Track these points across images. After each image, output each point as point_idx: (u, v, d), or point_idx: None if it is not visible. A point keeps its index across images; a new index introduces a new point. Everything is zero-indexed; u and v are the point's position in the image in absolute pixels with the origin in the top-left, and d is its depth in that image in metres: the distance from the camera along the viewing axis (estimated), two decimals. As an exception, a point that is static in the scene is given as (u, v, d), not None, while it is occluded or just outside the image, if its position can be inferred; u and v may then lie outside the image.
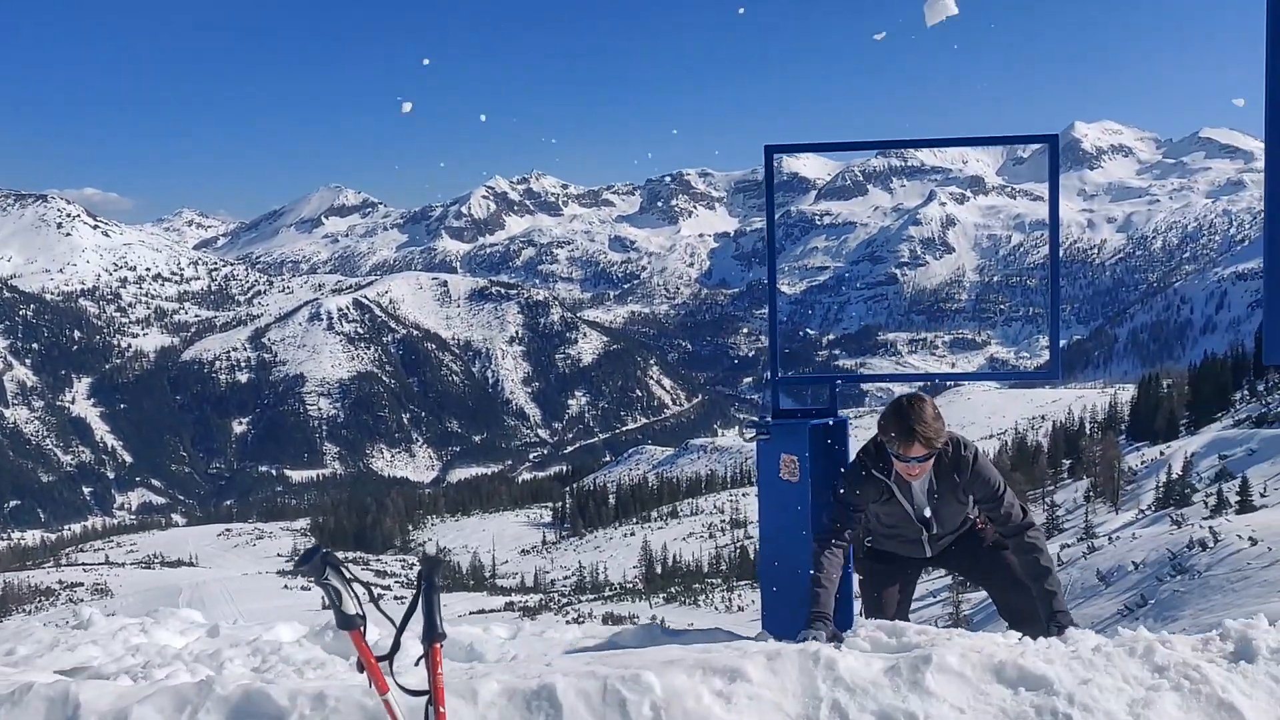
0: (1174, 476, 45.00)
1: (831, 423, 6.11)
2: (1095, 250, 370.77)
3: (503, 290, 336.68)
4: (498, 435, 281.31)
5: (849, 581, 5.96)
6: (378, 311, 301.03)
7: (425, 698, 2.15)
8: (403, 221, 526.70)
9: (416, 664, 2.16)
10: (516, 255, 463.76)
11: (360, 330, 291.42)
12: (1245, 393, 71.57)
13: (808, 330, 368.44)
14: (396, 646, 2.01)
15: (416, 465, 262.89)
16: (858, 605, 5.76)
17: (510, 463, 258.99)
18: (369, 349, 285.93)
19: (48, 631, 4.42)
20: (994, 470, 4.56)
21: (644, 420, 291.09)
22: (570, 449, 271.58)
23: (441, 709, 2.04)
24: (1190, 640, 3.45)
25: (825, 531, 4.67)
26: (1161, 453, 56.41)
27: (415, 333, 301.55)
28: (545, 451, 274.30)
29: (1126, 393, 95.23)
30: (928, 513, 4.58)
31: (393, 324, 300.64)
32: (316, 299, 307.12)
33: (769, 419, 6.14)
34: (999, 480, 4.54)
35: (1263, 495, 35.84)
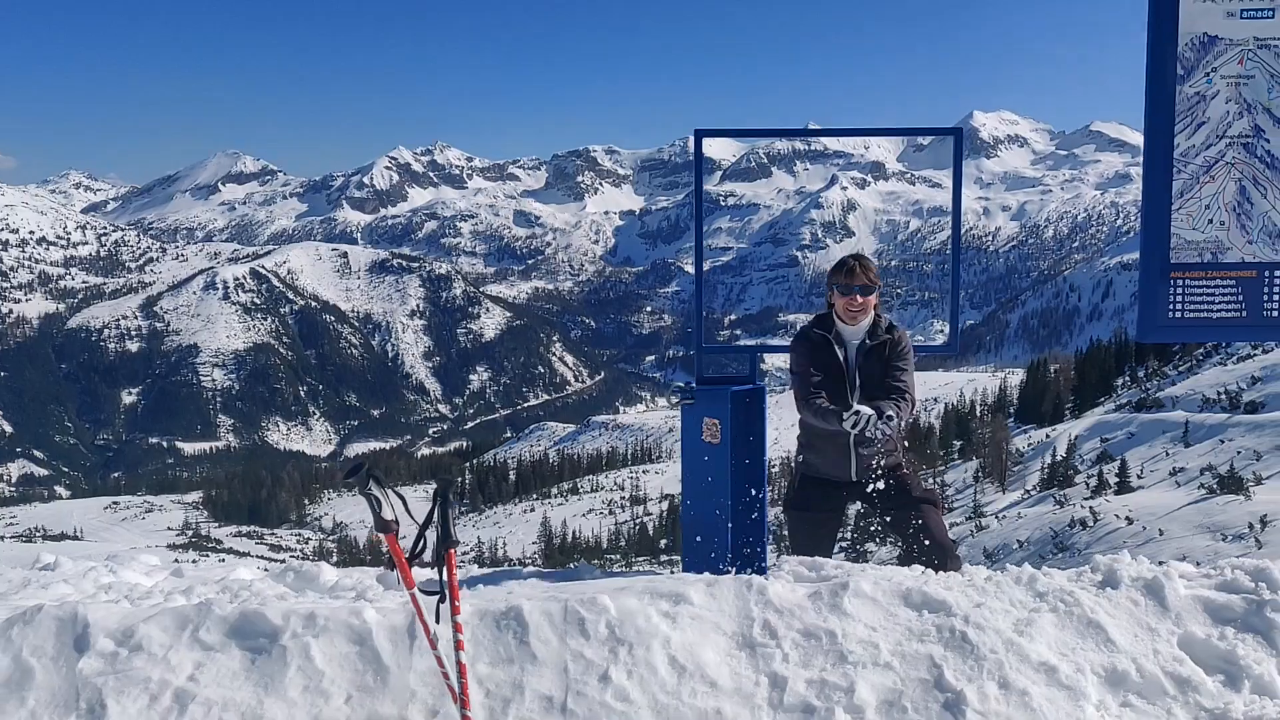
0: (1058, 458, 46.73)
1: (751, 390, 6.58)
2: (990, 237, 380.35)
3: (404, 263, 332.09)
4: (397, 410, 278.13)
5: (764, 526, 6.47)
6: (275, 282, 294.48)
7: (438, 596, 2.52)
8: (303, 190, 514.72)
9: (430, 567, 2.53)
10: (419, 228, 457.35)
11: (257, 301, 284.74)
12: (1127, 378, 74.39)
13: (711, 309, 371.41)
14: (419, 548, 2.37)
15: (313, 439, 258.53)
16: (772, 553, 6.25)
17: (409, 438, 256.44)
18: (266, 320, 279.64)
19: (16, 572, 4.65)
20: (908, 347, 5.27)
21: (546, 397, 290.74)
22: (471, 425, 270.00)
23: (456, 603, 2.41)
24: (1066, 573, 4.00)
25: (805, 397, 5.20)
26: (1048, 435, 58.42)
27: (314, 304, 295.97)
28: (445, 427, 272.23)
29: (1016, 377, 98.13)
30: (855, 361, 5.14)
31: (291, 295, 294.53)
32: (212, 268, 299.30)
33: (694, 385, 6.58)
34: (908, 353, 5.25)
35: (1140, 477, 37.62)
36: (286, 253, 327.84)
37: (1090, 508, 31.67)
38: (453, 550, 2.39)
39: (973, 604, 3.67)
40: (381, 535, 2.30)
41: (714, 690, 3.39)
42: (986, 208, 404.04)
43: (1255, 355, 55.14)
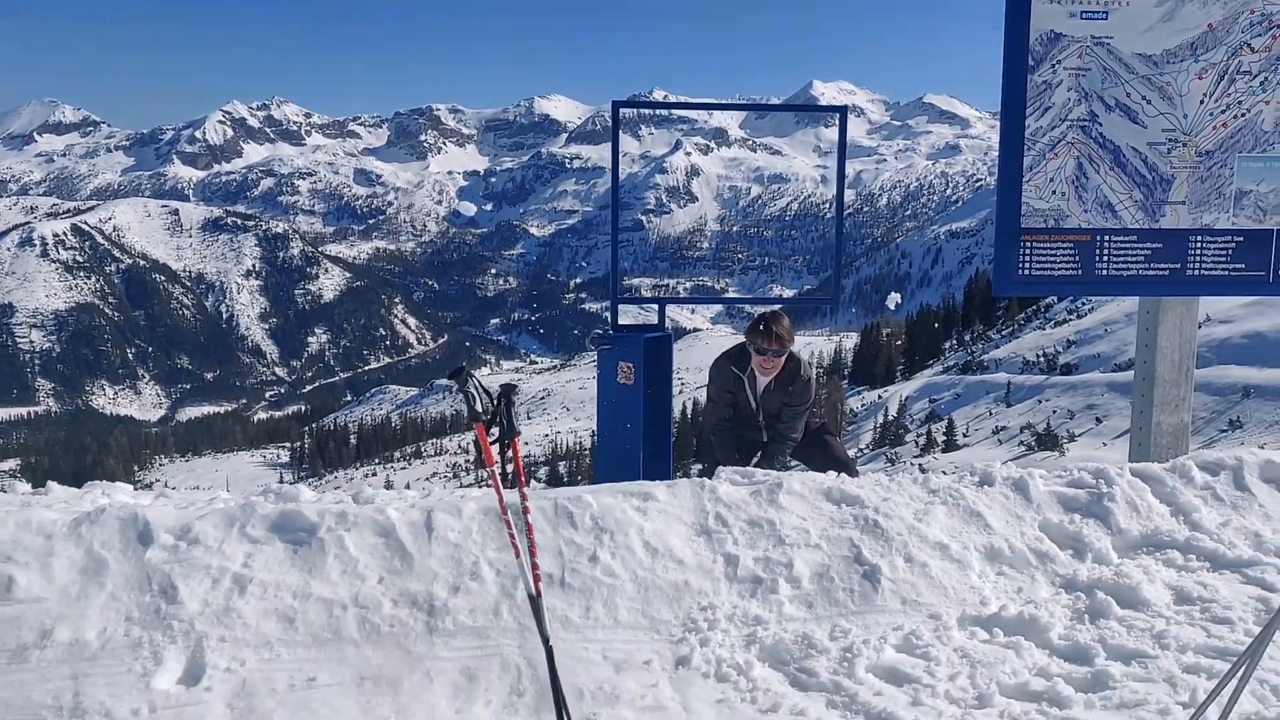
0: (890, 418, 49.10)
1: (661, 336, 7.37)
2: (827, 205, 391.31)
3: (239, 221, 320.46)
4: (232, 373, 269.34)
5: (670, 456, 7.30)
6: (100, 239, 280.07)
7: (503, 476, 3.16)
8: (129, 144, 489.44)
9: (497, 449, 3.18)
10: (255, 185, 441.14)
11: (80, 259, 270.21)
12: (954, 342, 78.15)
13: (556, 273, 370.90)
14: (504, 434, 3.02)
15: (142, 403, 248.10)
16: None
17: (245, 401, 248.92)
18: (90, 279, 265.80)
19: (7, 496, 5.01)
20: (811, 395, 6.21)
21: (387, 360, 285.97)
22: (309, 388, 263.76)
23: (522, 478, 3.07)
24: (951, 476, 4.92)
25: (716, 423, 6.09)
26: (880, 396, 61.16)
27: (142, 263, 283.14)
28: (283, 390, 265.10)
29: (850, 340, 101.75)
30: (758, 400, 6.02)
31: (117, 253, 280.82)
32: (28, 223, 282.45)
33: (610, 332, 7.33)
34: (807, 404, 6.20)
35: (965, 435, 40.07)
36: (112, 209, 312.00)
37: (919, 465, 33.70)
38: (517, 439, 3.06)
39: (881, 498, 4.55)
40: (474, 424, 2.96)
41: (681, 567, 4.17)
42: (824, 175, 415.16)
43: (1070, 320, 58.96)
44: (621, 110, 7.59)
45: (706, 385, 6.39)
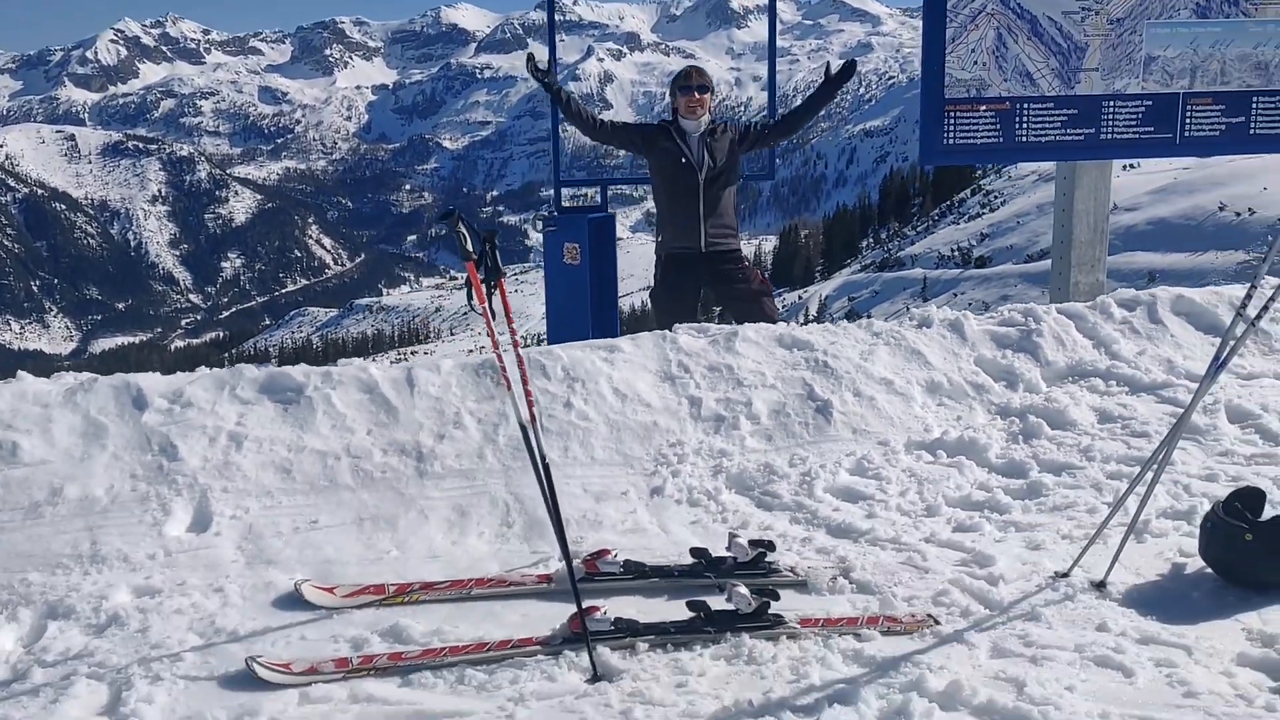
0: (811, 317, 49.86)
1: (604, 217, 7.59)
2: (742, 108, 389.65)
3: (141, 145, 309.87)
4: (144, 302, 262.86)
5: (615, 322, 7.59)
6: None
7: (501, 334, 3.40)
8: (15, 66, 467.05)
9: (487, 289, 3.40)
10: (155, 107, 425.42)
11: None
12: (870, 240, 79.08)
13: (471, 186, 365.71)
14: (490, 274, 3.24)
15: (52, 337, 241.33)
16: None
17: (160, 330, 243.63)
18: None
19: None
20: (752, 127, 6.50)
21: (305, 281, 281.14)
22: (226, 314, 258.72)
23: (510, 317, 3.30)
24: (891, 321, 5.29)
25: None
26: (800, 296, 61.90)
27: (40, 192, 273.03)
28: (199, 317, 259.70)
29: (770, 243, 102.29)
30: (698, 146, 6.12)
31: (12, 182, 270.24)
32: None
33: (555, 214, 7.53)
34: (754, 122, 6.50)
35: (885, 330, 41.04)
36: (3, 135, 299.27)
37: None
38: (502, 279, 3.30)
39: (829, 342, 4.89)
40: (465, 262, 3.17)
41: (650, 409, 4.47)
42: (738, 78, 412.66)
43: (983, 215, 60.08)
44: (529, 16, 7.68)
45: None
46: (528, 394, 3.28)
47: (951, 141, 7.47)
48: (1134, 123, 7.57)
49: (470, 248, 3.16)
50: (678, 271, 6.29)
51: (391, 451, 4.13)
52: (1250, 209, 34.92)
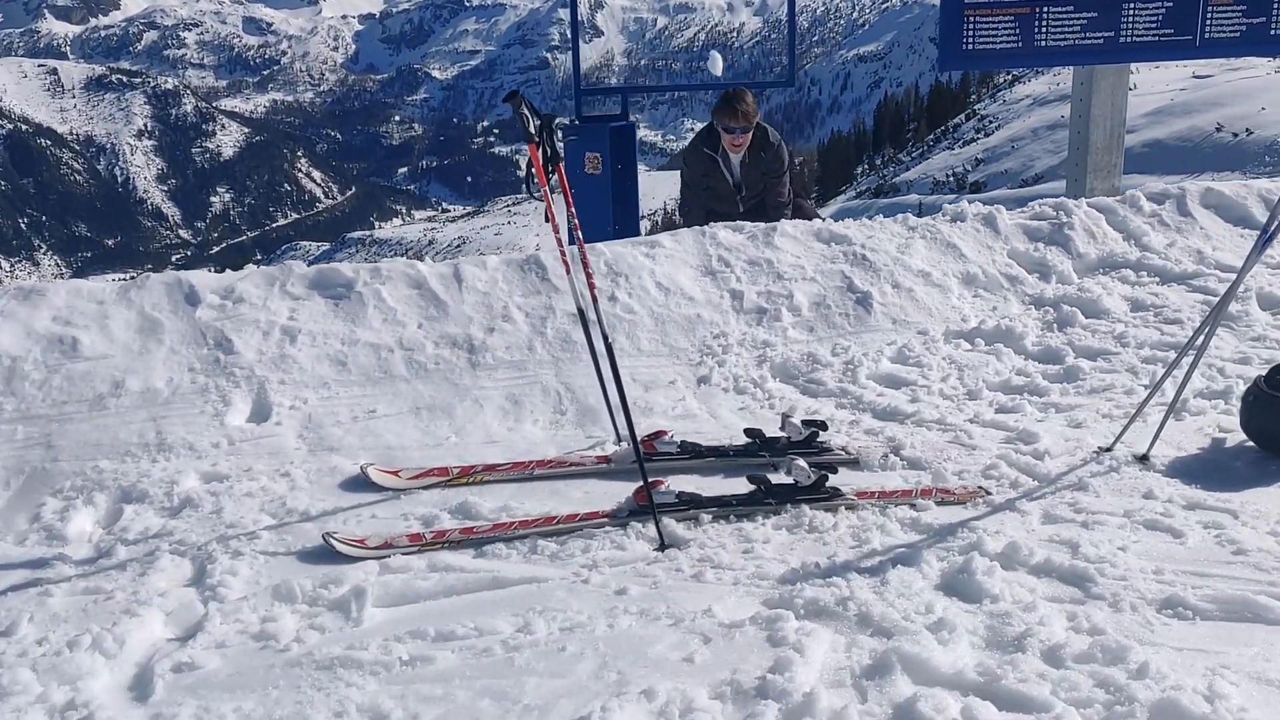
0: (808, 243, 49.73)
1: (624, 125, 7.59)
2: (735, 33, 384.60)
3: (125, 79, 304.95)
4: (134, 237, 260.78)
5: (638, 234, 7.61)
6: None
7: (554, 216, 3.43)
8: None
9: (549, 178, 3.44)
10: (137, 39, 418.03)
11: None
12: (865, 167, 78.58)
13: (462, 117, 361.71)
14: (549, 157, 3.28)
15: (42, 274, 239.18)
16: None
17: (151, 266, 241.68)
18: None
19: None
20: (785, 159, 6.25)
21: (295, 216, 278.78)
22: (216, 249, 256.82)
23: (570, 204, 3.34)
24: (926, 217, 5.34)
25: (693, 209, 6.11)
26: (796, 224, 61.60)
27: (24, 128, 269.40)
28: (189, 253, 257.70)
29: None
30: (738, 172, 6.10)
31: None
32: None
33: (576, 122, 7.52)
34: (785, 167, 6.25)
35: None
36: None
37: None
38: (561, 164, 3.33)
39: (866, 236, 4.95)
40: (527, 144, 3.21)
41: (692, 302, 4.54)
42: (730, 3, 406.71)
43: (978, 139, 59.70)
44: None
45: (680, 171, 6.41)
46: (589, 277, 3.33)
47: (971, 46, 7.46)
48: (1154, 25, 7.56)
49: (531, 130, 3.20)
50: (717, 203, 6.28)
51: (443, 344, 4.20)
52: (1248, 129, 34.71)
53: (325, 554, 3.11)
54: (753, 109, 6.10)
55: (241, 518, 3.33)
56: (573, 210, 3.39)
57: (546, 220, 3.44)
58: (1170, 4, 7.56)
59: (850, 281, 4.72)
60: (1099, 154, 8.09)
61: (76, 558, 3.15)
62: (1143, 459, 3.61)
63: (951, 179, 52.31)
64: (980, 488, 3.44)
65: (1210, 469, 3.56)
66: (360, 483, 3.54)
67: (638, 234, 7.74)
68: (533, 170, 3.29)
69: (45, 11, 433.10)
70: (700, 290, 4.61)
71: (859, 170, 79.55)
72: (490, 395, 4.05)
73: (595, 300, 3.35)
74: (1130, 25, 7.61)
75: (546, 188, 3.28)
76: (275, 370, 4.02)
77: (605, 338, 3.36)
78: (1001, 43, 7.48)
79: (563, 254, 3.36)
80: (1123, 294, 4.90)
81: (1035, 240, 5.20)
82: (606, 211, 7.40)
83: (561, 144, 7.75)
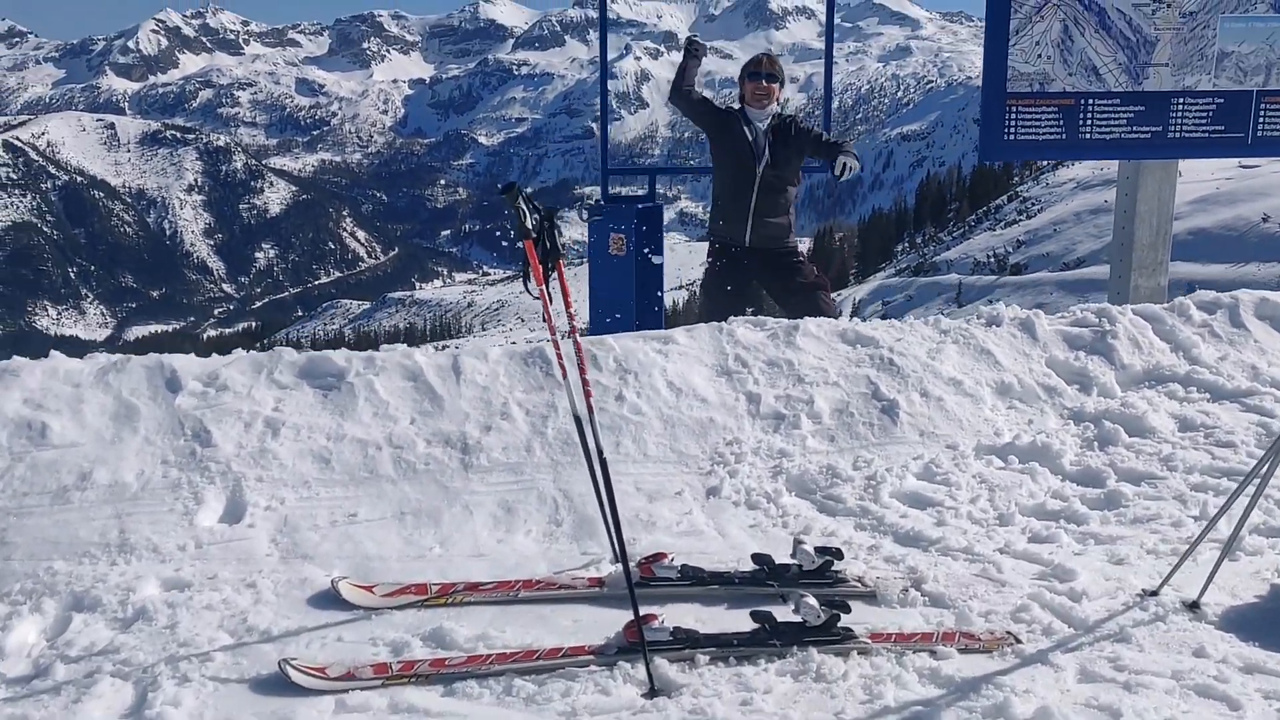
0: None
1: (652, 207, 7.35)
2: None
3: (179, 134, 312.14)
4: (178, 290, 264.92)
5: (662, 318, 7.36)
6: (34, 155, 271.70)
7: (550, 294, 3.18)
8: (59, 55, 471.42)
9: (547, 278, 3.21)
10: (193, 97, 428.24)
11: (14, 175, 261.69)
12: (905, 245, 78.45)
13: (507, 182, 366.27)
14: (548, 253, 3.03)
15: (88, 323, 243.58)
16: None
17: (194, 319, 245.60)
18: (25, 196, 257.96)
19: None
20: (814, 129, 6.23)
21: (338, 274, 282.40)
22: (259, 304, 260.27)
23: (569, 306, 3.09)
24: (958, 319, 5.03)
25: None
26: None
27: (80, 179, 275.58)
28: (232, 307, 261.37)
29: (804, 245, 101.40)
30: (763, 138, 5.91)
31: (52, 169, 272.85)
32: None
33: (603, 203, 7.29)
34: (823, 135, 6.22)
35: (920, 336, 40.69)
36: (45, 123, 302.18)
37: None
38: (561, 261, 3.08)
39: (895, 339, 4.64)
40: (521, 241, 2.96)
41: (705, 405, 4.25)
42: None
43: (1020, 220, 59.41)
44: (568, 13, 7.50)
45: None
46: (585, 384, 3.07)
47: (1013, 137, 7.21)
48: (1204, 121, 7.29)
49: (529, 225, 2.95)
50: (726, 263, 6.07)
51: (435, 442, 3.93)
52: (1295, 221, 34.29)
53: (281, 683, 2.81)
54: (778, 63, 6.16)
55: (197, 635, 3.05)
56: (572, 310, 3.12)
57: (543, 321, 3.19)
58: (1221, 100, 7.29)
59: (876, 388, 4.41)
60: (1144, 251, 7.77)
61: (10, 675, 2.87)
62: (1193, 607, 3.25)
63: (993, 260, 51.93)
64: (1009, 634, 3.10)
65: (1270, 622, 3.20)
66: (331, 598, 3.25)
67: (661, 322, 7.49)
68: (529, 268, 3.04)
69: (107, 69, 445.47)
70: (715, 391, 4.32)
71: (899, 248, 79.39)
72: (482, 500, 3.76)
73: (591, 411, 3.07)
74: (1179, 120, 7.35)
75: (544, 286, 3.03)
76: (254, 466, 3.76)
77: (599, 453, 3.07)
78: (1045, 134, 7.24)
79: (559, 358, 3.10)
80: (1170, 411, 4.55)
81: (1076, 348, 4.88)
82: (630, 295, 7.15)
83: (563, 240, 7.50)
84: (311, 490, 3.73)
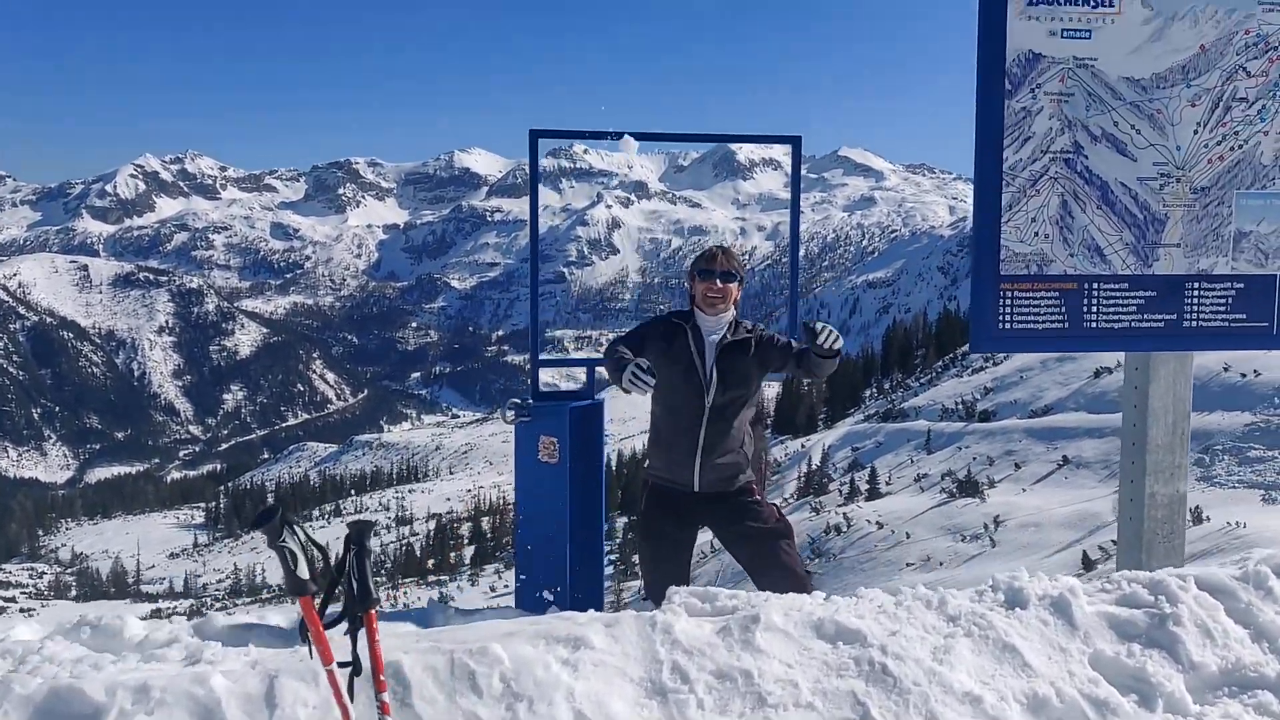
0: (814, 467, 48.34)
1: (590, 405, 6.22)
2: (747, 256, 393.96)
3: (151, 276, 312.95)
4: (144, 432, 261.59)
5: (601, 547, 6.17)
6: (4, 296, 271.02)
7: (349, 669, 2.03)
8: (36, 198, 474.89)
9: (345, 634, 2.03)
10: (168, 239, 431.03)
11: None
12: (874, 390, 78.37)
13: (477, 326, 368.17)
14: (334, 614, 1.88)
15: (49, 465, 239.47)
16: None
17: (158, 461, 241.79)
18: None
19: None
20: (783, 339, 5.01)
21: (306, 416, 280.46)
22: (225, 446, 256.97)
23: (381, 677, 1.93)
24: (967, 593, 3.84)
25: (610, 347, 4.75)
26: (803, 445, 60.46)
27: (49, 320, 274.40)
28: (197, 449, 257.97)
29: (773, 389, 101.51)
30: (711, 359, 4.74)
31: (23, 310, 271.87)
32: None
33: (529, 400, 6.16)
34: (784, 338, 5.03)
35: (888, 483, 39.51)
36: (17, 264, 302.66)
37: (844, 514, 33.06)
38: (373, 611, 1.93)
39: (888, 632, 3.44)
40: (295, 598, 1.82)
41: (627, 748, 3.01)
42: (744, 228, 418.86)
43: (987, 367, 59.19)
44: (541, 163, 6.53)
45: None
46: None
47: (1008, 325, 6.18)
48: (1222, 309, 6.31)
49: (304, 576, 1.80)
50: (665, 510, 4.86)
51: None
52: (1256, 371, 33.93)
53: None
54: (736, 257, 4.98)
55: None
56: (385, 698, 1.94)
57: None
58: (1241, 285, 6.34)
59: (865, 711, 3.19)
60: (1159, 453, 6.68)
61: None
62: None
63: (960, 407, 51.21)
64: None
65: None
66: None
67: (600, 543, 6.28)
68: (307, 630, 1.86)
69: (84, 211, 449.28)
70: (642, 723, 3.09)
71: (867, 393, 79.29)
72: None
73: None
74: (1195, 308, 6.38)
75: (333, 668, 1.85)
76: None
77: None
78: (1045, 322, 6.22)
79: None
80: (1263, 734, 3.35)
81: (1127, 639, 3.67)
82: (562, 507, 5.96)
83: (511, 425, 6.38)
84: None
